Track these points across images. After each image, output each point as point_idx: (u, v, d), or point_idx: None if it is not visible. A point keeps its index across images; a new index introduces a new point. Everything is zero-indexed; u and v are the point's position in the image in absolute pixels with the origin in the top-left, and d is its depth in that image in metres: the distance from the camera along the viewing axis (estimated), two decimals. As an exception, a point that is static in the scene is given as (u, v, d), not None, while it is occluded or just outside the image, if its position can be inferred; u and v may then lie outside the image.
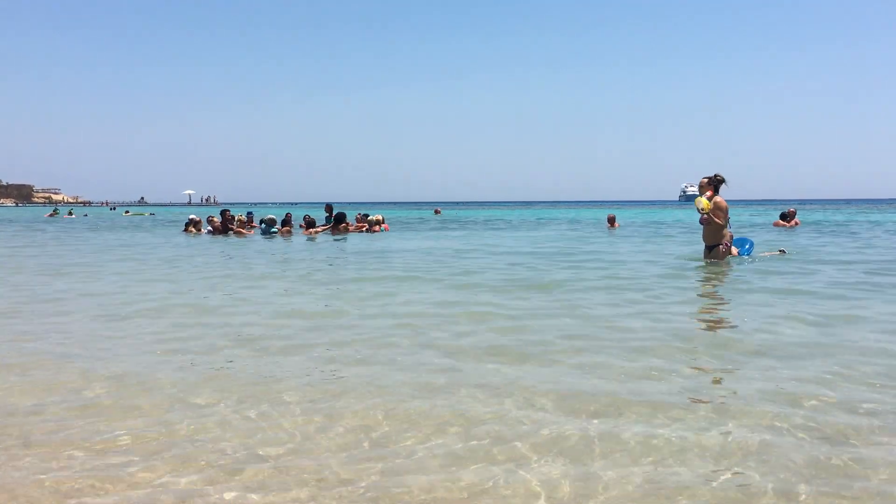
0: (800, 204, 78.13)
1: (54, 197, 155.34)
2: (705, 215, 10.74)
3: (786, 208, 27.48)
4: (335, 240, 18.25)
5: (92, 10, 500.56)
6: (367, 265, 11.54)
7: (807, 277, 9.34)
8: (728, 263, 10.69)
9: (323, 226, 21.23)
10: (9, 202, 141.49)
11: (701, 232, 11.31)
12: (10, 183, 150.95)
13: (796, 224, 25.33)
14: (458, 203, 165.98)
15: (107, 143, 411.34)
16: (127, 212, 64.67)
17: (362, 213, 23.94)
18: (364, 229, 21.72)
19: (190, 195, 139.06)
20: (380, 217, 23.21)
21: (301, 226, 21.74)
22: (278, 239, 18.80)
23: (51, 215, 53.40)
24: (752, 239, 12.71)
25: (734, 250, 11.23)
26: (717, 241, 10.93)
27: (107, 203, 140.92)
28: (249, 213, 23.44)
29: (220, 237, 20.01)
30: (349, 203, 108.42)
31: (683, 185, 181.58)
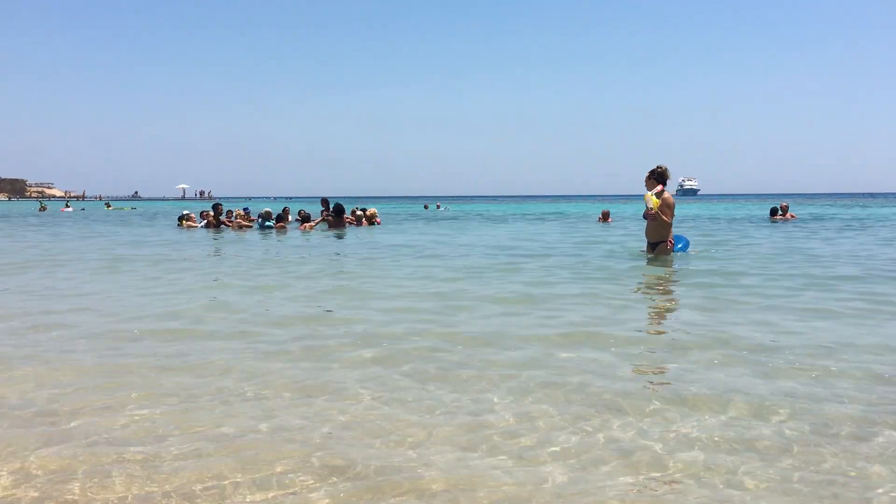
0: (799, 198, 78.36)
1: (48, 191, 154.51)
2: (653, 212, 10.30)
3: (777, 203, 27.68)
4: (335, 235, 18.15)
5: (90, 7, 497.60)
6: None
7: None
8: (672, 259, 10.41)
9: (318, 220, 21.18)
10: (2, 196, 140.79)
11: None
12: (2, 177, 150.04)
13: (792, 217, 25.62)
14: (459, 197, 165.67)
15: (101, 138, 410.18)
16: (108, 205, 64.84)
17: (360, 207, 24.13)
18: (353, 223, 21.81)
19: (184, 189, 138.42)
20: (373, 210, 23.55)
21: (297, 219, 21.73)
22: (274, 234, 18.79)
23: (42, 209, 52.71)
24: (684, 236, 12.05)
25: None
26: (661, 238, 10.54)
27: (101, 198, 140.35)
28: (246, 209, 23.44)
29: (213, 230, 20.37)
30: (346, 197, 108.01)
31: (680, 180, 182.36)
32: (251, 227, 20.62)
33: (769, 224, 23.66)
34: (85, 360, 4.79)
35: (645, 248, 11.06)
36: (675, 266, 9.88)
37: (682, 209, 49.30)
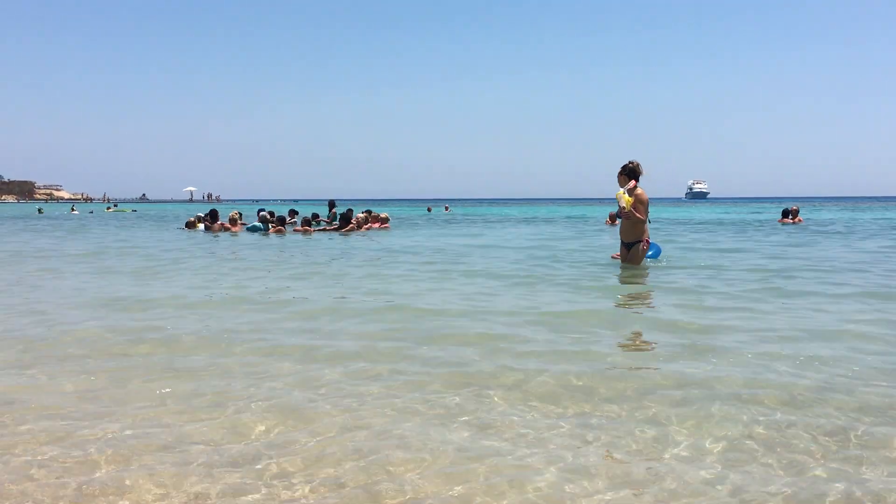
0: (804, 201, 77.83)
1: (56, 193, 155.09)
2: (626, 210, 9.62)
3: (789, 206, 27.24)
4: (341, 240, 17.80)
5: (94, 9, 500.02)
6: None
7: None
8: (645, 266, 9.73)
9: (323, 226, 20.80)
10: (11, 199, 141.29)
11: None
12: (11, 179, 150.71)
13: (799, 221, 25.18)
14: (462, 200, 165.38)
15: (109, 141, 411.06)
16: (109, 208, 65.09)
17: (365, 209, 23.74)
18: (356, 228, 21.24)
19: (192, 192, 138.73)
20: (385, 215, 23.18)
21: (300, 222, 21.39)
22: (272, 237, 18.46)
23: (39, 212, 52.18)
24: (655, 244, 11.05)
25: None
26: (636, 238, 9.81)
27: (108, 199, 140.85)
28: (261, 210, 22.96)
29: (211, 234, 20.12)
30: (352, 200, 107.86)
31: (690, 182, 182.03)
32: (239, 230, 20.29)
33: (776, 227, 23.26)
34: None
35: (616, 254, 10.37)
36: (650, 279, 9.06)
37: (691, 213, 48.91)
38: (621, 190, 9.63)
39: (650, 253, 10.33)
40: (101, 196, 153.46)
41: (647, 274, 9.47)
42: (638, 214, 9.58)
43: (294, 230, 19.81)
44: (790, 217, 25.08)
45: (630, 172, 9.65)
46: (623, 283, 9.05)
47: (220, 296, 7.77)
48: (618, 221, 25.21)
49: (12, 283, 9.04)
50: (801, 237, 18.03)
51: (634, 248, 9.85)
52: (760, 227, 23.57)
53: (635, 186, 9.63)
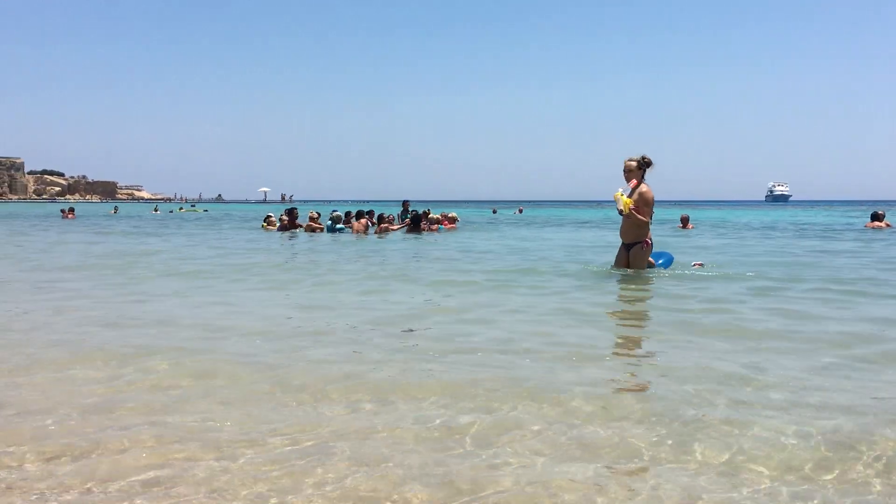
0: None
1: (137, 194, 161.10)
2: (624, 212, 8.91)
3: (877, 209, 26.07)
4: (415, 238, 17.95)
5: (171, 15, 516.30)
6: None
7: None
8: (647, 275, 8.88)
9: (398, 225, 21.01)
10: (95, 198, 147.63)
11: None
12: (95, 180, 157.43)
13: (887, 226, 23.98)
14: (529, 202, 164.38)
15: (188, 142, 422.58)
16: (182, 208, 67.39)
17: (426, 210, 23.82)
18: (428, 228, 21.25)
19: (266, 192, 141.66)
20: (453, 214, 23.40)
21: (373, 222, 21.62)
22: (347, 235, 18.73)
23: (114, 211, 53.86)
24: (668, 252, 10.28)
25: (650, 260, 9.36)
26: (637, 239, 9.07)
27: (185, 199, 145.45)
28: (334, 211, 23.02)
29: (288, 233, 20.56)
30: (423, 201, 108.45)
31: (770, 184, 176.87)
32: (322, 229, 20.50)
33: (859, 232, 22.23)
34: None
35: (614, 262, 9.59)
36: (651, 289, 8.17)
37: (766, 215, 47.21)
38: (619, 190, 8.99)
39: (661, 262, 9.57)
40: (196, 195, 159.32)
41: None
42: (640, 216, 8.89)
43: (375, 231, 20.07)
44: (877, 221, 23.96)
45: (644, 167, 9.02)
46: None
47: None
48: (690, 225, 24.94)
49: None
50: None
51: (635, 248, 9.14)
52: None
53: (638, 185, 9.00)
